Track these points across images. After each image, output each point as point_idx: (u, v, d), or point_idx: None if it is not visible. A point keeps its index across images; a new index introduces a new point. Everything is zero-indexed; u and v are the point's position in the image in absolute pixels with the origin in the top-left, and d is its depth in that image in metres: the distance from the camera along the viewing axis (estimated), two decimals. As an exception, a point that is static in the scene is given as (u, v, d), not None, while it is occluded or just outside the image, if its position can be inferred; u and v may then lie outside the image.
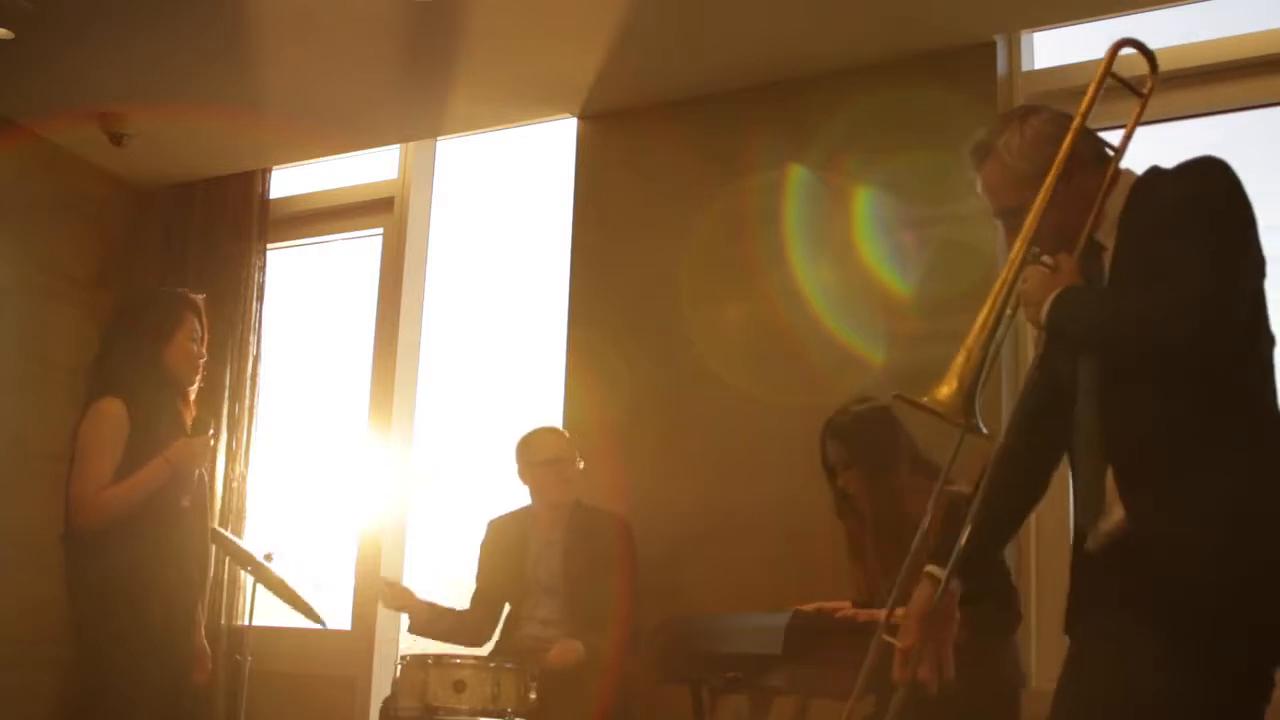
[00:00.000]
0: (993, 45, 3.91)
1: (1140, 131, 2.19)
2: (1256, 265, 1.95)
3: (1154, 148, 3.89)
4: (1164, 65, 3.85)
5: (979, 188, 2.20)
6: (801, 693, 3.04)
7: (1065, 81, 3.87)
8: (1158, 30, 3.82)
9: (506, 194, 5.26)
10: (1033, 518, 3.58)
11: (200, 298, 3.47)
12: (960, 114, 3.85)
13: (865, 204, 3.97)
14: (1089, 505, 2.01)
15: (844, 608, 3.01)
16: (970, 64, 3.90)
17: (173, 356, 3.33)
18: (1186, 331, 1.86)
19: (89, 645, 3.17)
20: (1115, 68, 2.17)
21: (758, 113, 4.24)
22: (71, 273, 5.08)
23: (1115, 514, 1.95)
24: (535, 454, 3.84)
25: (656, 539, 3.90)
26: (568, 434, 3.95)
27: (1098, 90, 2.12)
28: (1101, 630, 1.99)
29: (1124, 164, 2.13)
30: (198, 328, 3.40)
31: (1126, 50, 2.21)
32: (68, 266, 5.08)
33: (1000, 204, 2.16)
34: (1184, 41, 3.73)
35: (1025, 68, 3.96)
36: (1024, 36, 3.96)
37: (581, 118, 4.60)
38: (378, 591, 3.93)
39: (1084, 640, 2.04)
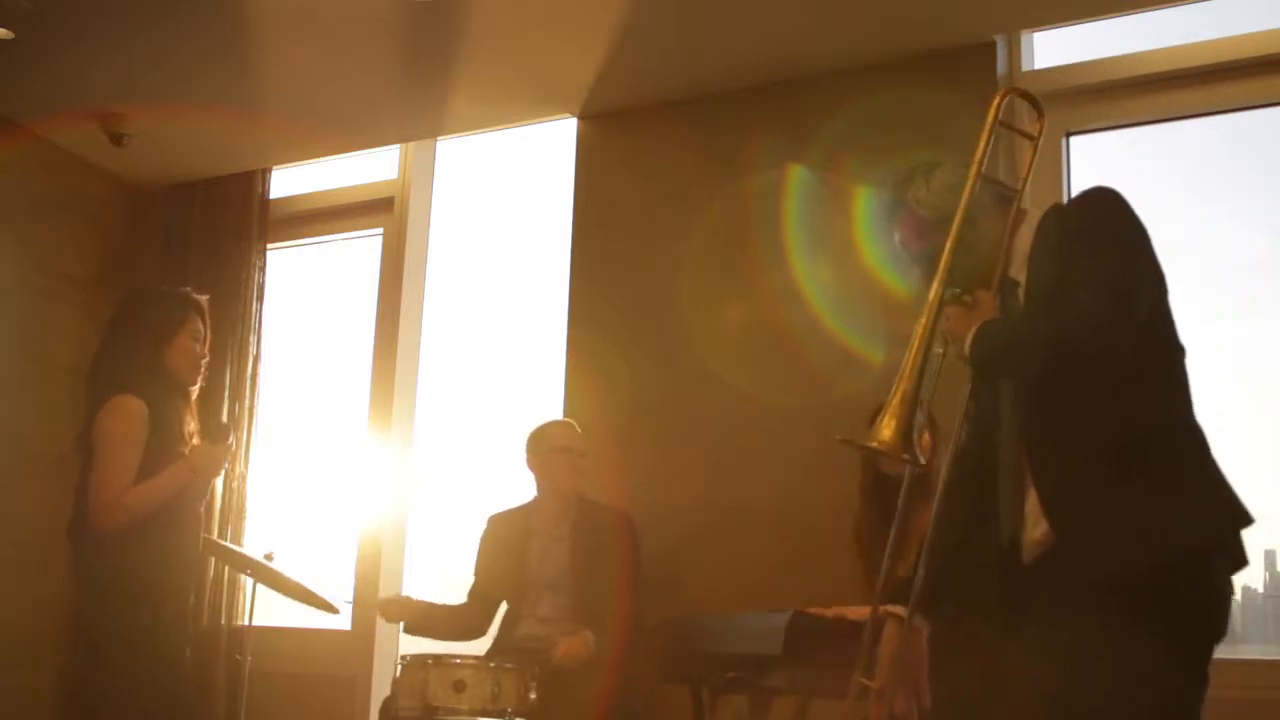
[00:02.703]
0: (993, 45, 3.91)
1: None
2: (1153, 280, 2.10)
3: (1155, 148, 3.91)
4: (1163, 65, 3.87)
5: (895, 240, 2.38)
6: (801, 693, 3.04)
7: (1065, 81, 3.87)
8: (1158, 30, 3.82)
9: (506, 194, 5.26)
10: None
11: (204, 298, 3.45)
12: (960, 114, 3.83)
13: (865, 204, 3.97)
14: (1012, 520, 2.14)
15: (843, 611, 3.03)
16: (970, 64, 3.90)
17: (174, 357, 3.30)
18: (1088, 347, 2.00)
19: (92, 644, 3.16)
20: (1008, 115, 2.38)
21: (758, 113, 4.24)
22: (71, 273, 5.08)
23: (1042, 525, 2.08)
24: (547, 441, 3.85)
25: (657, 539, 3.89)
26: (577, 426, 3.95)
27: (989, 139, 2.28)
28: (1044, 633, 2.07)
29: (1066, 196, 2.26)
30: (200, 328, 3.37)
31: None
32: (68, 266, 5.08)
33: (914, 251, 2.34)
34: (1184, 41, 3.73)
35: (1025, 68, 3.96)
36: (1024, 36, 3.96)
37: (581, 118, 4.60)
38: (378, 610, 3.90)
39: (1027, 644, 2.12)
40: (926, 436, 3.15)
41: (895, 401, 2.11)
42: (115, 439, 3.15)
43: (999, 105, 2.32)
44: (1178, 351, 2.12)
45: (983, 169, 2.25)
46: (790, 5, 3.79)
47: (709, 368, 4.11)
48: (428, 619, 3.76)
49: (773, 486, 3.90)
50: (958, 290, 2.19)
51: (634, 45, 4.05)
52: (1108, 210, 2.12)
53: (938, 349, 2.19)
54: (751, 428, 4.00)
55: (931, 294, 2.19)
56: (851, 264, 3.95)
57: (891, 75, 3.97)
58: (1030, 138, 2.37)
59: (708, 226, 4.23)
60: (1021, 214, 2.26)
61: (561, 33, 4.03)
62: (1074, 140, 3.87)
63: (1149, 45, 3.78)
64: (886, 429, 2.10)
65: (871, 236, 3.95)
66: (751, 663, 2.86)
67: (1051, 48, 3.99)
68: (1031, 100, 2.41)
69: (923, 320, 2.17)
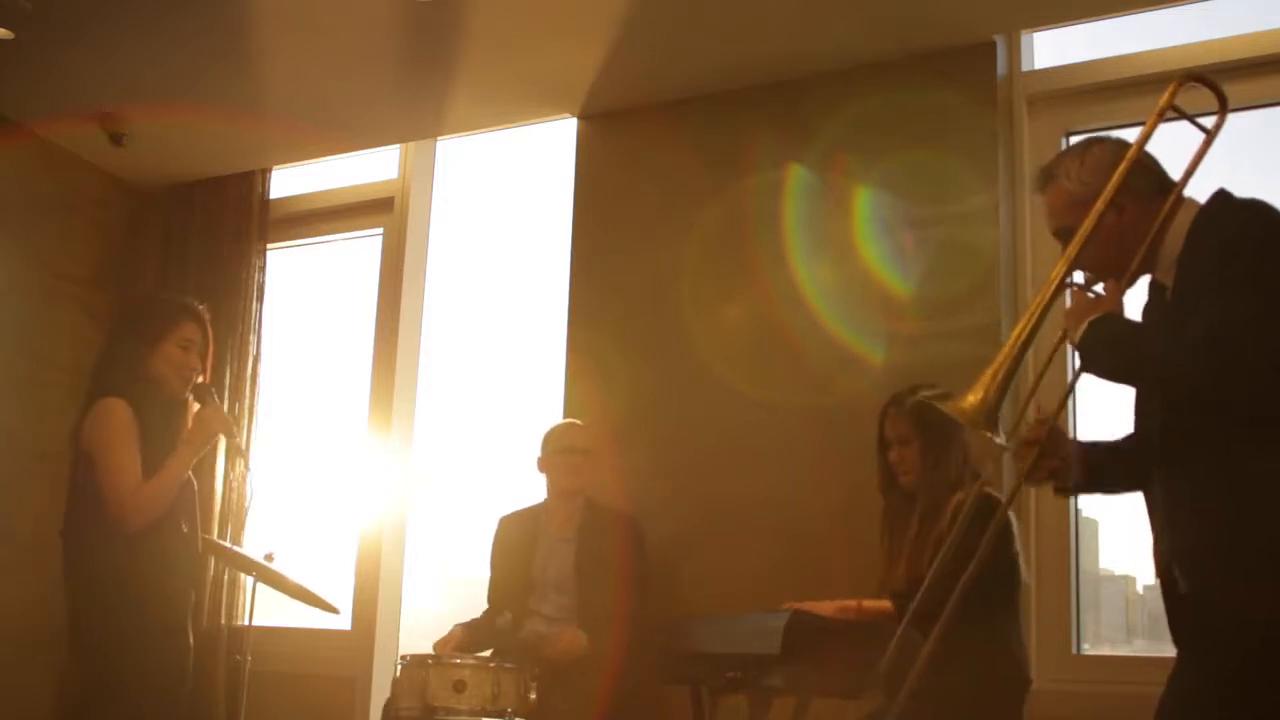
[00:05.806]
0: (993, 45, 3.91)
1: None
2: None
3: (1154, 148, 3.87)
4: (1163, 65, 3.87)
5: (1044, 211, 2.26)
6: (801, 693, 3.04)
7: (1065, 82, 3.87)
8: (1158, 30, 3.82)
9: (506, 194, 5.26)
10: (1032, 521, 3.59)
11: (203, 307, 3.38)
12: (960, 114, 3.85)
13: (865, 204, 3.97)
14: (1163, 547, 2.03)
15: (832, 606, 3.04)
16: (970, 64, 3.90)
17: (159, 363, 3.23)
18: (1198, 390, 1.87)
19: (90, 645, 3.15)
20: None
21: (758, 113, 4.24)
22: (71, 273, 5.08)
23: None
24: (550, 443, 3.93)
25: (656, 539, 3.90)
26: (582, 426, 3.98)
27: (1155, 125, 2.14)
28: (1182, 660, 2.03)
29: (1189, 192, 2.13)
30: (195, 336, 3.29)
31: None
32: (68, 266, 5.08)
33: (1057, 224, 2.21)
34: (1184, 41, 3.73)
35: (1025, 68, 3.95)
36: (1024, 36, 3.96)
37: (581, 118, 4.59)
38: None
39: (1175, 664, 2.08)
40: (915, 449, 3.12)
41: (988, 374, 2.00)
42: (110, 441, 3.12)
43: (1174, 91, 2.19)
44: None
45: (1141, 154, 2.12)
46: (790, 5, 3.79)
47: (709, 368, 4.11)
48: (471, 644, 3.73)
49: (772, 486, 3.89)
50: (1091, 276, 2.08)
51: (634, 45, 4.05)
52: (1267, 239, 1.95)
53: (1055, 335, 2.06)
54: (752, 428, 4.00)
55: (1054, 270, 2.07)
56: (851, 264, 3.95)
57: (891, 75, 3.97)
58: (1205, 131, 2.20)
59: (708, 226, 4.23)
60: (1176, 209, 2.10)
61: (561, 33, 4.03)
62: (1074, 140, 3.87)
63: (1149, 45, 3.78)
64: (973, 396, 1.99)
65: (871, 236, 3.96)
66: (751, 663, 2.86)
67: (1051, 48, 3.99)
68: (1215, 89, 2.24)
69: (1039, 297, 2.06)
